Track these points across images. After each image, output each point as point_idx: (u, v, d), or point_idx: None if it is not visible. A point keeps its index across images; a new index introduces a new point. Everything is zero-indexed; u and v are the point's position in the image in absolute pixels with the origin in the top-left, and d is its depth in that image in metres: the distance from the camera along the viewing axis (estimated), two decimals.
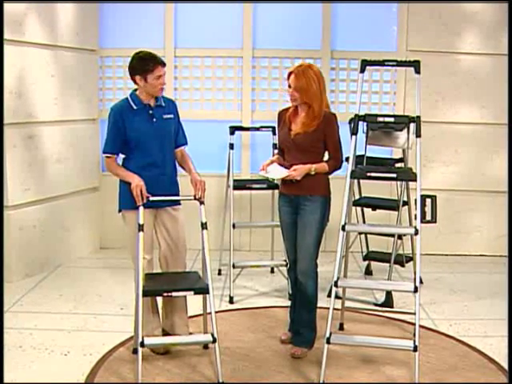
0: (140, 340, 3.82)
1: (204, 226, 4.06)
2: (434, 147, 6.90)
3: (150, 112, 4.20)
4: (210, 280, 3.97)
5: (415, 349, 3.84)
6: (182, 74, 7.06)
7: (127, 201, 4.19)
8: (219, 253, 6.15)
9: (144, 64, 4.09)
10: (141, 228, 3.98)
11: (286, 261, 4.89)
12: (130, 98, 4.22)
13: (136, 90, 4.24)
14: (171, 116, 4.29)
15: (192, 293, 3.97)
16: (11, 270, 5.80)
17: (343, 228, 4.04)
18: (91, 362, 4.20)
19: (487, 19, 6.83)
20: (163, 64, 4.15)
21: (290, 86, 4.25)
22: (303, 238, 4.26)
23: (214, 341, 3.88)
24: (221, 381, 3.87)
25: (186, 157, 4.42)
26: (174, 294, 3.96)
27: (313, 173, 4.21)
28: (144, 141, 4.18)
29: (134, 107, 4.18)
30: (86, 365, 4.15)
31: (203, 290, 3.97)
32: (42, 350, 4.38)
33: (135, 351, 4.05)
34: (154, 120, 4.21)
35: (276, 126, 4.53)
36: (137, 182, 4.09)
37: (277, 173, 4.28)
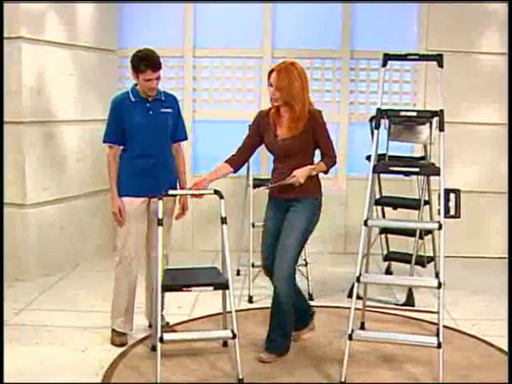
0: (159, 335, 3.78)
1: (224, 220, 4.00)
2: (455, 148, 6.81)
3: (147, 105, 4.32)
4: (230, 275, 3.92)
5: (439, 345, 3.77)
6: (201, 75, 7.05)
7: (120, 187, 4.34)
8: (238, 253, 6.10)
9: (137, 64, 4.23)
10: (160, 222, 3.94)
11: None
12: (129, 91, 4.37)
13: (137, 84, 4.37)
14: (169, 110, 4.39)
15: (211, 288, 3.95)
16: (30, 269, 5.80)
17: (365, 223, 3.98)
18: (109, 358, 4.16)
19: (509, 19, 6.75)
20: (155, 69, 4.20)
21: (271, 85, 4.00)
22: (286, 239, 4.02)
23: (234, 336, 3.83)
24: (241, 377, 3.81)
25: (179, 157, 4.53)
26: (193, 288, 3.93)
27: (314, 173, 4.06)
28: (139, 132, 4.31)
29: (133, 99, 4.33)
30: (104, 361, 4.12)
31: (223, 285, 3.94)
32: (59, 346, 4.36)
33: (154, 348, 4.01)
34: (151, 113, 4.32)
35: (249, 125, 4.39)
36: (115, 207, 4.30)
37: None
